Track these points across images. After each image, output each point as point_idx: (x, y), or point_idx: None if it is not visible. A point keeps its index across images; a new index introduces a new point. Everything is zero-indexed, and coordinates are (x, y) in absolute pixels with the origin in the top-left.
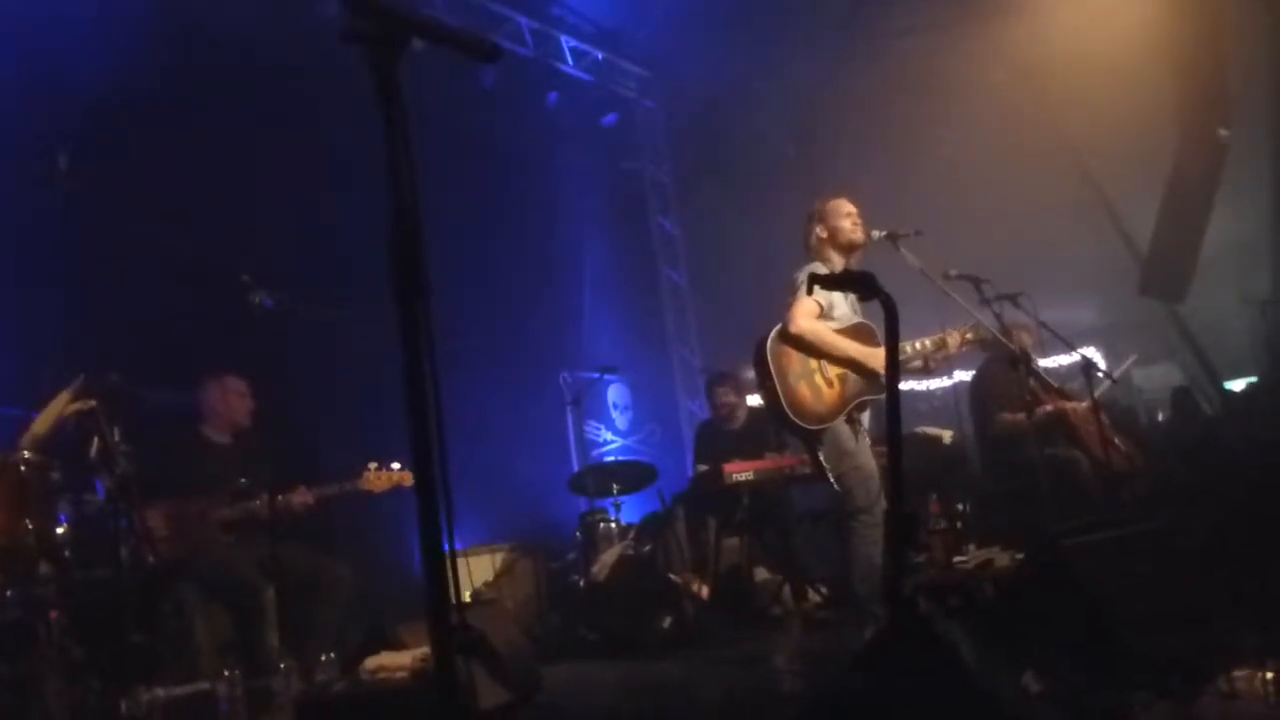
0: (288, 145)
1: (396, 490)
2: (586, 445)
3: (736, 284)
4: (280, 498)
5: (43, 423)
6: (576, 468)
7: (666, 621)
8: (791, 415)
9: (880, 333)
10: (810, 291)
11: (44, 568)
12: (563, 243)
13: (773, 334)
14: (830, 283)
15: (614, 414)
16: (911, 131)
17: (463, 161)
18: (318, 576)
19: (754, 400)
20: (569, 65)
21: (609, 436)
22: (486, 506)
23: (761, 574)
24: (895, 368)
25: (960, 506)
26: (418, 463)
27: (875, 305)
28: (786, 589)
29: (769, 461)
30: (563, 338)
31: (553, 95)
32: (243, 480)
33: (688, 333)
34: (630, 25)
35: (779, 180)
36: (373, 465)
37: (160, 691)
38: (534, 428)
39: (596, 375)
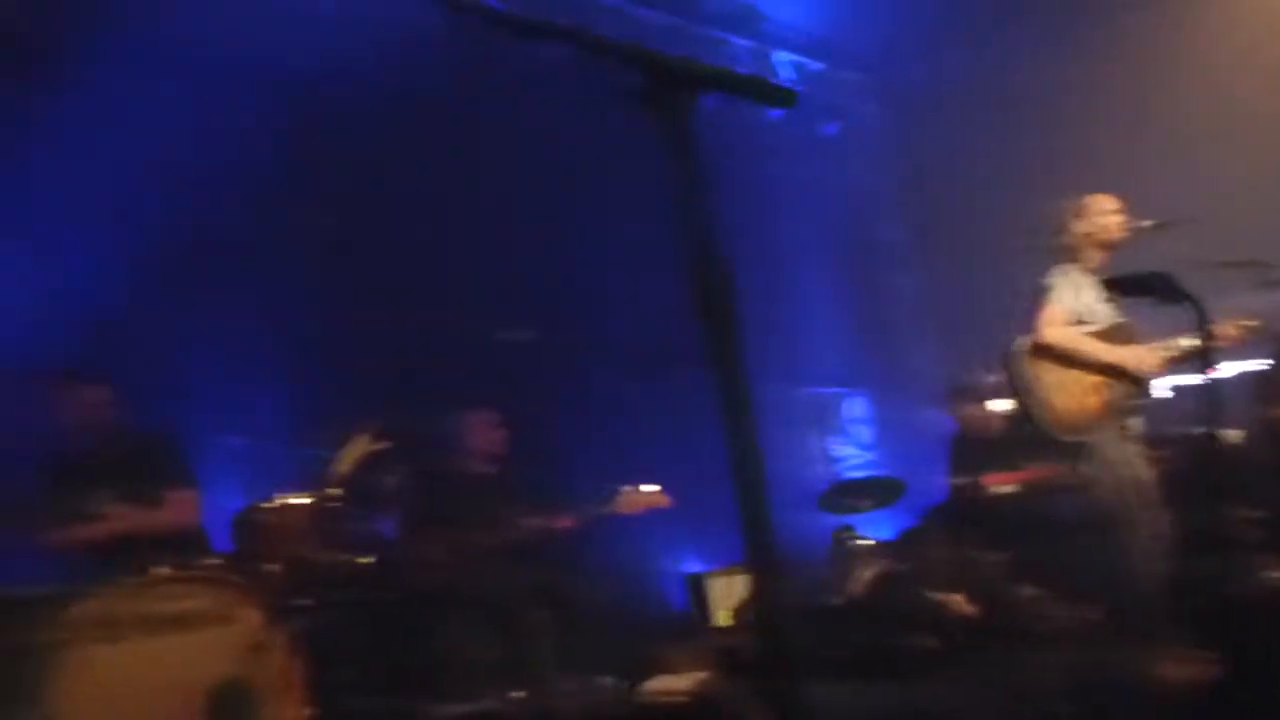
0: (548, 185)
1: (649, 512)
2: (827, 461)
3: (974, 290)
4: (540, 523)
5: (346, 462)
6: (819, 484)
7: (929, 641)
8: (1050, 427)
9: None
10: (1110, 298)
11: (345, 593)
12: (793, 257)
13: (1022, 344)
14: (1125, 288)
15: (853, 429)
16: (1150, 115)
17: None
18: (581, 599)
19: (1006, 407)
20: (787, 80)
21: (850, 451)
22: (731, 526)
23: (1027, 590)
24: (1207, 370)
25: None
26: (742, 500)
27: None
28: (1055, 606)
29: (1031, 472)
30: (797, 353)
31: (776, 112)
32: (504, 508)
33: (925, 342)
34: (846, 31)
35: (1014, 179)
36: (626, 488)
37: (453, 708)
38: (772, 445)
39: (835, 390)
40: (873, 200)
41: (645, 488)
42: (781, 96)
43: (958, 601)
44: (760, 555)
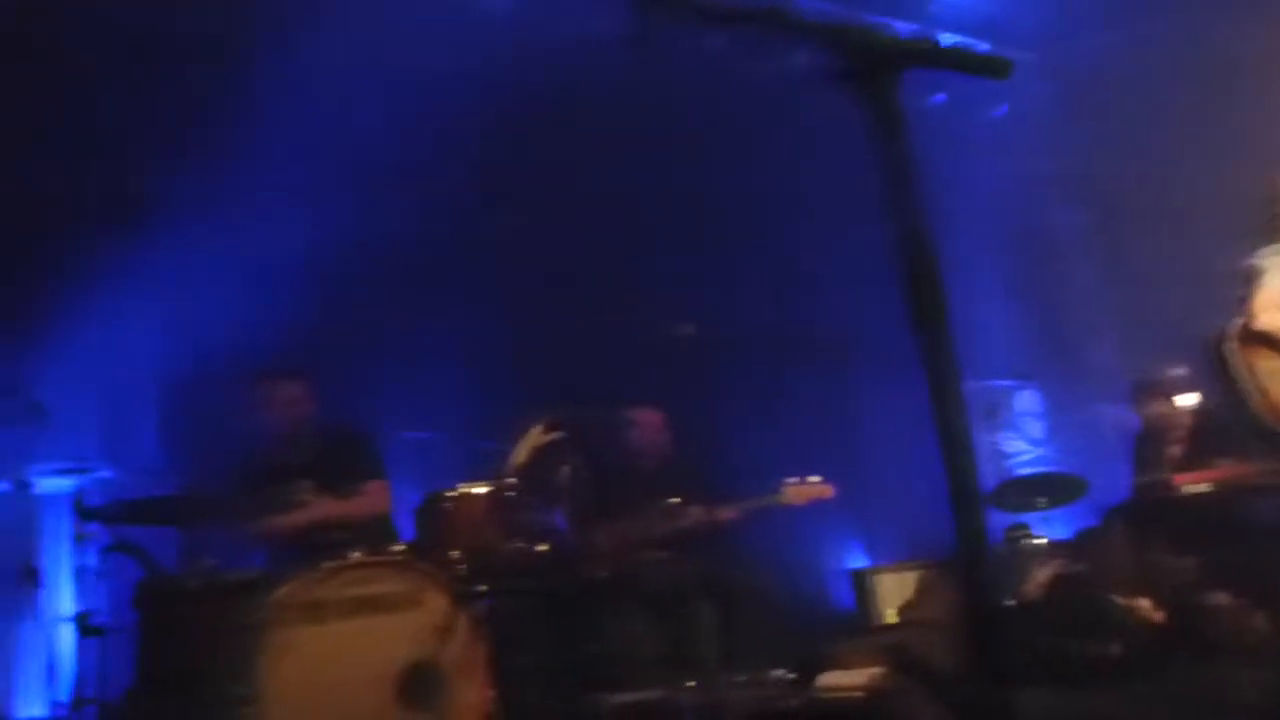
0: (718, 179)
1: (813, 503)
2: (997, 457)
3: (1157, 276)
4: (705, 515)
5: (522, 453)
6: (989, 481)
7: (1111, 648)
8: (1265, 419)
9: None
10: None
11: (522, 581)
12: (960, 245)
13: (1231, 330)
14: None
15: (1025, 423)
16: None
17: (852, 175)
18: (747, 591)
19: (1191, 402)
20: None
21: (1022, 447)
22: (898, 522)
23: (1220, 598)
24: None
25: None
26: (955, 496)
27: None
28: (1251, 616)
29: (1227, 470)
30: (966, 345)
31: (940, 96)
32: (668, 499)
33: (1103, 333)
34: (1013, 8)
35: (1202, 157)
36: (791, 480)
37: (626, 697)
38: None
39: (1008, 383)
40: (1045, 185)
41: (810, 479)
42: (995, 66)
43: (1143, 607)
44: (971, 554)
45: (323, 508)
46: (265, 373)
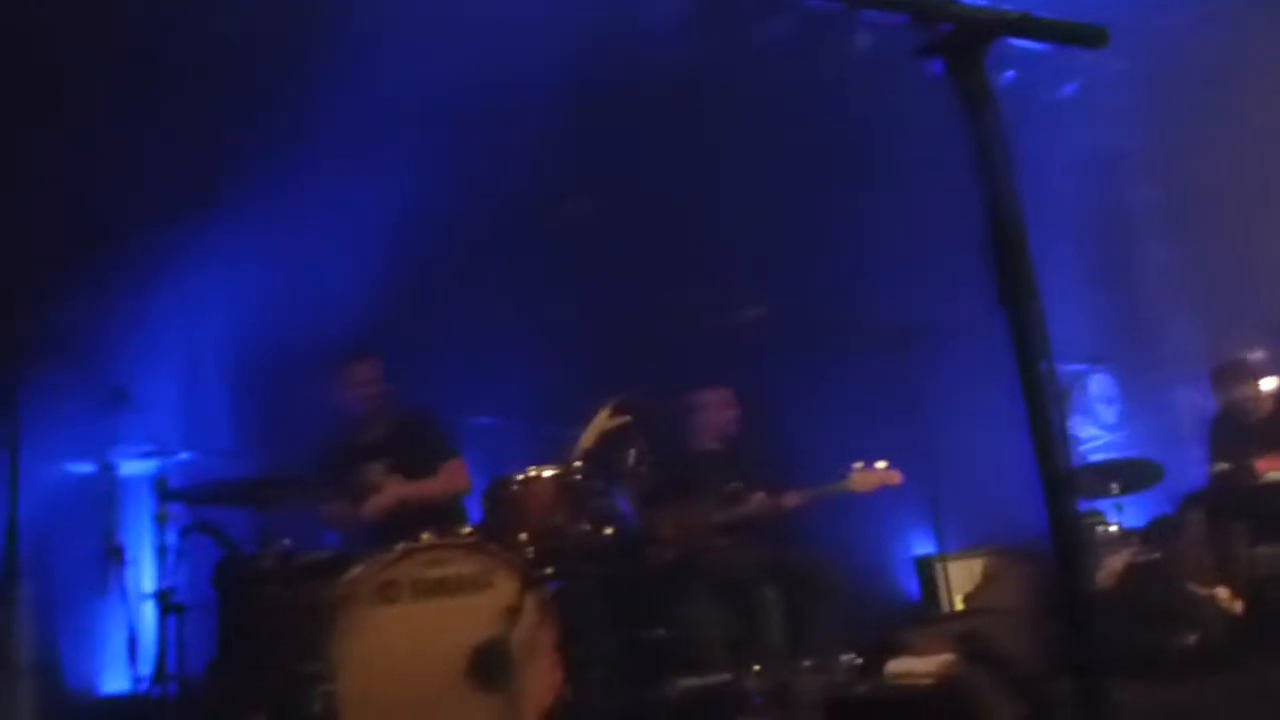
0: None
1: (881, 490)
2: (1070, 442)
3: (1238, 256)
4: (771, 500)
5: (589, 437)
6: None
7: (1189, 639)
8: None
9: None
10: None
11: (588, 565)
12: (1031, 226)
13: None
14: None
15: (1098, 407)
16: None
17: (918, 157)
18: (813, 576)
19: (1272, 386)
20: (1019, 39)
21: (1094, 432)
22: (964, 508)
23: None
24: None
25: None
26: (1045, 480)
27: None
28: None
29: None
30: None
31: (1009, 74)
32: (733, 484)
33: (1179, 314)
34: None
35: None
36: (857, 465)
37: (693, 680)
38: (1014, 422)
39: (1083, 366)
40: (1119, 164)
41: (878, 465)
42: (1091, 35)
43: (1220, 597)
44: (1063, 541)
45: (405, 489)
46: (342, 353)
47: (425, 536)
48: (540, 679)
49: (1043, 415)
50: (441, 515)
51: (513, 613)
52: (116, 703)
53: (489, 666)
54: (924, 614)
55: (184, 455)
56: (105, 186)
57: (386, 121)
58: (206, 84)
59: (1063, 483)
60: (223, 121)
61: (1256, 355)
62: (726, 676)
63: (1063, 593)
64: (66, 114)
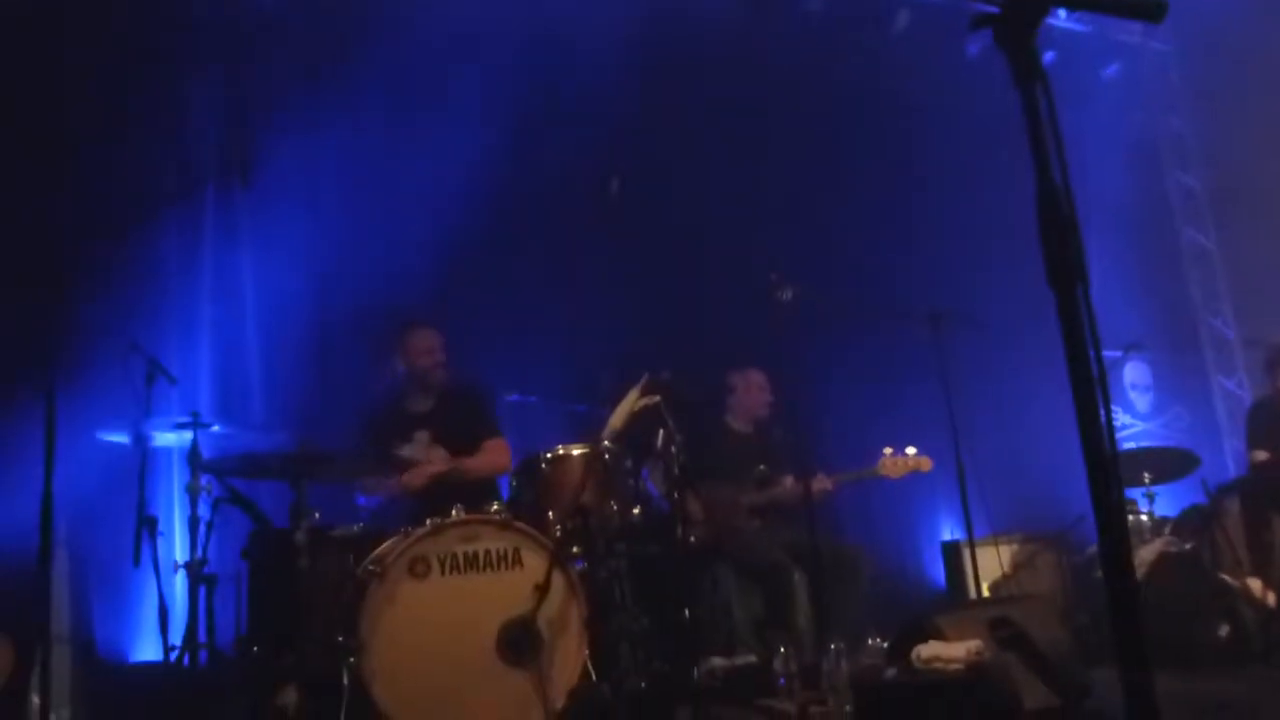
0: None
1: (912, 476)
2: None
3: (1275, 246)
4: (800, 485)
5: (619, 417)
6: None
7: (1223, 630)
8: None
9: None
10: None
11: (617, 544)
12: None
13: None
14: None
15: (1132, 395)
16: None
17: (953, 137)
18: (841, 561)
19: None
20: (1060, 19)
21: (1127, 420)
22: (995, 494)
23: None
24: None
25: None
26: (1091, 462)
27: None
28: None
29: None
30: None
31: (1049, 55)
32: (763, 467)
33: (1218, 301)
34: None
35: None
36: (888, 451)
37: (720, 661)
38: (1044, 410)
39: (1119, 353)
40: (1160, 148)
41: (909, 451)
42: (1148, 9)
43: (1254, 588)
44: (1111, 531)
45: (446, 464)
46: (404, 321)
47: (456, 512)
48: (567, 657)
49: (1090, 400)
50: (475, 492)
51: (541, 590)
52: (148, 670)
53: (517, 643)
54: (951, 599)
55: (217, 428)
56: (143, 158)
57: (423, 95)
58: (247, 54)
59: (1109, 467)
60: (262, 93)
61: None
62: (753, 659)
63: (1107, 583)
64: (104, 86)
